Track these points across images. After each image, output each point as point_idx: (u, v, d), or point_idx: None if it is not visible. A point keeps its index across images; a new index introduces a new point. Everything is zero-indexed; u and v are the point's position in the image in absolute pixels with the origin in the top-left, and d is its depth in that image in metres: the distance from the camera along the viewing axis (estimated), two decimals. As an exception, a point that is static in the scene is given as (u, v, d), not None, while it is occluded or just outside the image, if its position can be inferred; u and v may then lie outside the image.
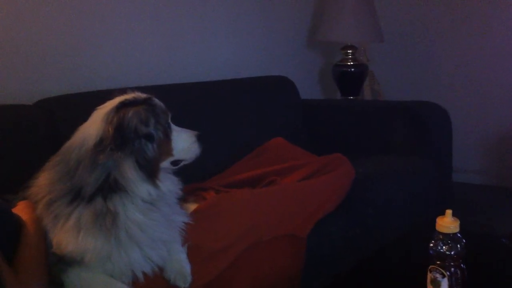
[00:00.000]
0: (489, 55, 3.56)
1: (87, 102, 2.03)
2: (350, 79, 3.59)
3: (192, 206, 1.72)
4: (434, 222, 1.35)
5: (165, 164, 1.50)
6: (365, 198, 2.12)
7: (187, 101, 2.32)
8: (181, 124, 1.57)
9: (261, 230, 1.68)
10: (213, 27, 2.99)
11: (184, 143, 1.53)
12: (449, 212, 1.34)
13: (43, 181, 1.42)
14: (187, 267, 1.46)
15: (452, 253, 1.32)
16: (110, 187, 1.36)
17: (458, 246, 1.32)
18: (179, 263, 1.45)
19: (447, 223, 1.33)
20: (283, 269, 1.69)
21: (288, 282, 1.70)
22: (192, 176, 1.65)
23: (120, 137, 1.35)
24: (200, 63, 2.91)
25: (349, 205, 2.01)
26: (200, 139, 1.57)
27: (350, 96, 3.60)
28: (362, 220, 2.05)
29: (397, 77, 3.85)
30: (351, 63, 3.57)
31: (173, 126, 1.53)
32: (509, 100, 3.51)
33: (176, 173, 1.58)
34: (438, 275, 1.30)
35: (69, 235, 1.34)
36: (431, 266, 1.31)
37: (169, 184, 1.50)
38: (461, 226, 1.35)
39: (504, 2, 3.47)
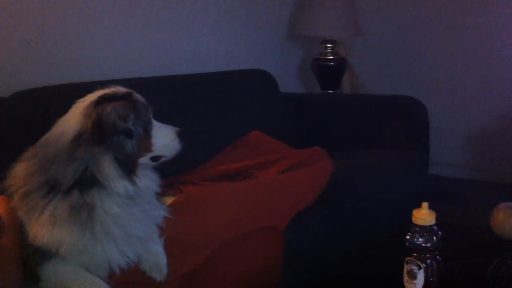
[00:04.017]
0: (469, 50, 3.59)
1: (64, 94, 2.01)
2: (329, 72, 3.60)
3: (169, 199, 1.72)
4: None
5: (144, 160, 1.49)
6: (348, 193, 2.12)
7: (165, 94, 2.30)
8: (159, 117, 1.56)
9: (239, 223, 1.67)
10: (193, 19, 2.97)
11: (164, 139, 1.52)
12: (425, 204, 1.36)
13: (19, 172, 1.41)
14: (163, 260, 1.46)
15: (428, 245, 1.34)
16: (87, 182, 1.36)
17: (434, 238, 1.34)
18: (155, 256, 1.45)
19: (423, 215, 1.35)
20: (263, 263, 1.69)
21: (269, 276, 1.70)
22: (169, 170, 1.64)
23: (98, 132, 1.34)
24: (179, 55, 2.89)
25: (330, 199, 2.00)
26: (181, 135, 1.55)
27: (329, 90, 3.61)
28: (345, 214, 2.04)
29: (376, 71, 3.87)
30: (330, 57, 3.58)
31: (154, 122, 1.52)
32: (488, 95, 3.55)
33: (154, 166, 1.57)
34: (414, 267, 1.31)
35: (44, 227, 1.33)
36: (407, 258, 1.33)
37: (147, 180, 1.49)
38: (440, 218, 1.37)
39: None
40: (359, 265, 1.65)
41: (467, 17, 3.56)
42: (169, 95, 2.34)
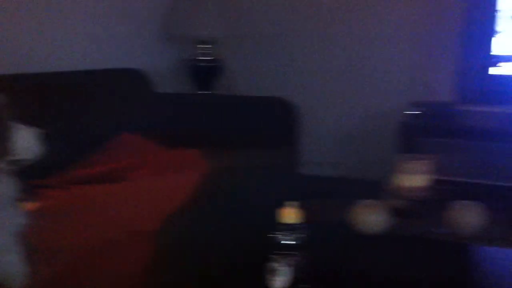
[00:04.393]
0: (341, 52, 3.75)
1: None
2: (204, 73, 3.63)
3: (32, 205, 1.64)
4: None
5: (3, 164, 1.39)
6: (220, 193, 2.12)
7: (30, 93, 2.19)
8: (21, 117, 1.47)
9: (108, 228, 1.64)
10: (65, 13, 2.86)
11: (24, 142, 1.44)
12: (290, 202, 1.40)
13: None
14: (20, 269, 1.38)
15: (294, 242, 1.38)
16: None
17: (300, 235, 1.39)
18: (11, 266, 1.38)
19: (288, 213, 1.39)
20: (134, 266, 1.66)
21: (141, 279, 1.68)
22: (32, 174, 1.56)
23: None
24: (48, 52, 2.76)
25: (203, 200, 2.00)
26: (44, 137, 1.48)
27: (205, 91, 3.63)
28: (217, 215, 2.05)
29: (250, 72, 3.93)
30: (206, 58, 3.60)
31: (14, 123, 1.43)
32: (356, 97, 3.74)
33: (17, 171, 1.48)
34: (278, 265, 1.35)
35: None
36: (271, 256, 1.37)
37: (4, 186, 1.40)
38: (309, 216, 1.41)
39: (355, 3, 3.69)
40: (231, 265, 1.67)
41: (338, 20, 3.72)
42: (34, 94, 2.23)
